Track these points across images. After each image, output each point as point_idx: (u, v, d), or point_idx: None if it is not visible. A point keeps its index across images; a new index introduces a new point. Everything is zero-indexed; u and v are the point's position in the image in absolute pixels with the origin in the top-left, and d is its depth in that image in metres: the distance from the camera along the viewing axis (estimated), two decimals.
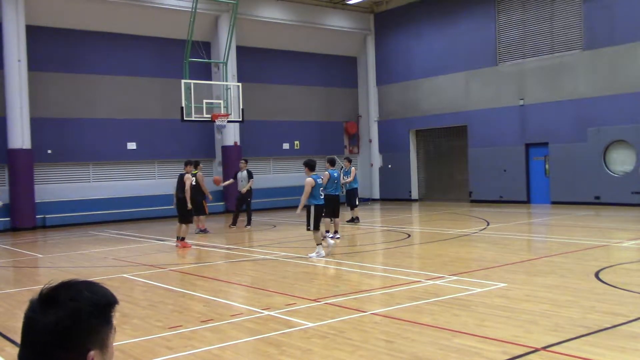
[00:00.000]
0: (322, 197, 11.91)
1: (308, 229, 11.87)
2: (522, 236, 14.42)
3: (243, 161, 18.49)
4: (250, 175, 18.03)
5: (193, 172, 16.15)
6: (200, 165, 16.44)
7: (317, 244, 11.79)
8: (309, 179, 11.62)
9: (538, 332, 6.05)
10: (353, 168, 17.85)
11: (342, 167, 18.08)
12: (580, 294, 7.76)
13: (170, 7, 22.30)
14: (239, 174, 18.07)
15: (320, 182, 11.89)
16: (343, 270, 10.55)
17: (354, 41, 28.15)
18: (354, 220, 17.92)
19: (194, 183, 16.00)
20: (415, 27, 26.26)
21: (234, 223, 18.05)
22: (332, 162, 14.95)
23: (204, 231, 16.79)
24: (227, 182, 18.78)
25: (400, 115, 27.15)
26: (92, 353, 1.54)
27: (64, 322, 1.50)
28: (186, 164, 14.95)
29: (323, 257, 11.62)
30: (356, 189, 17.94)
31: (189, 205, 14.22)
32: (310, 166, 11.89)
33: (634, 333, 5.98)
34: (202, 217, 16.61)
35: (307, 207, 11.78)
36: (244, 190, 17.87)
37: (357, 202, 18.08)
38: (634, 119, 19.66)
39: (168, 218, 20.66)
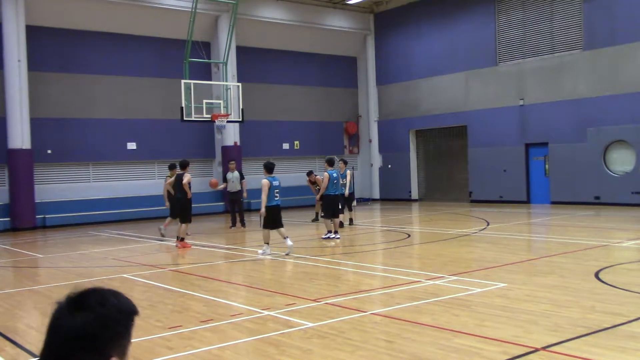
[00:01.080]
0: (277, 198, 12.34)
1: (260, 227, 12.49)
2: (522, 236, 14.41)
3: (233, 162, 18.48)
4: (242, 177, 18.12)
5: (168, 175, 16.24)
6: (175, 170, 16.20)
7: (265, 243, 12.30)
8: (265, 180, 12.14)
9: (538, 332, 6.04)
10: (349, 171, 17.08)
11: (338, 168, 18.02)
12: (580, 294, 7.76)
13: (170, 7, 22.30)
14: (229, 175, 18.03)
15: (277, 184, 12.34)
16: (343, 270, 10.55)
17: (354, 41, 28.15)
18: (342, 225, 16.95)
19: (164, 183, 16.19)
20: (415, 27, 26.27)
21: (234, 224, 18.05)
22: (331, 163, 15.01)
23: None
24: (222, 186, 18.58)
25: (400, 115, 27.16)
26: (113, 359, 1.58)
27: (92, 326, 1.54)
28: (183, 165, 14.75)
29: (268, 255, 12.07)
30: (352, 193, 17.59)
31: (189, 194, 14.14)
32: (268, 168, 12.43)
33: (634, 333, 5.98)
34: (168, 219, 15.92)
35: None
36: (245, 194, 18.11)
37: (351, 207, 17.69)
38: (634, 119, 19.66)
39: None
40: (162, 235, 15.73)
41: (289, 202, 25.03)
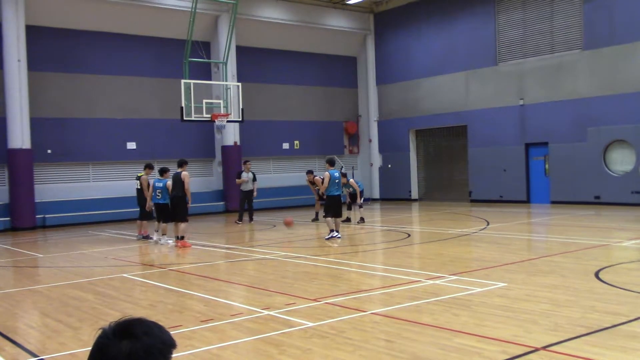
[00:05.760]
0: (159, 197, 14.55)
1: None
2: (522, 236, 14.41)
3: (249, 162, 19.86)
4: (254, 178, 19.42)
5: (138, 175, 16.18)
6: (148, 169, 16.01)
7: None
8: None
9: (538, 332, 6.04)
10: (351, 180, 18.27)
11: (342, 167, 18.10)
12: (580, 293, 7.76)
13: (170, 7, 22.29)
14: (244, 175, 19.28)
15: (160, 185, 14.55)
16: (343, 270, 10.55)
17: (353, 41, 28.14)
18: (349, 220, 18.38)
19: (137, 187, 16.01)
20: (415, 27, 26.26)
21: (240, 219, 19.08)
22: (331, 163, 15.03)
23: (146, 237, 15.75)
24: (241, 182, 19.44)
25: (400, 115, 27.15)
26: None
27: (138, 353, 1.64)
28: (181, 164, 14.71)
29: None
30: (362, 191, 18.27)
31: (189, 202, 14.26)
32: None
33: (634, 333, 5.98)
34: (145, 222, 15.84)
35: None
36: (255, 194, 19.42)
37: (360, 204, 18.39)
38: (634, 119, 19.66)
39: None
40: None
41: (289, 202, 25.08)
